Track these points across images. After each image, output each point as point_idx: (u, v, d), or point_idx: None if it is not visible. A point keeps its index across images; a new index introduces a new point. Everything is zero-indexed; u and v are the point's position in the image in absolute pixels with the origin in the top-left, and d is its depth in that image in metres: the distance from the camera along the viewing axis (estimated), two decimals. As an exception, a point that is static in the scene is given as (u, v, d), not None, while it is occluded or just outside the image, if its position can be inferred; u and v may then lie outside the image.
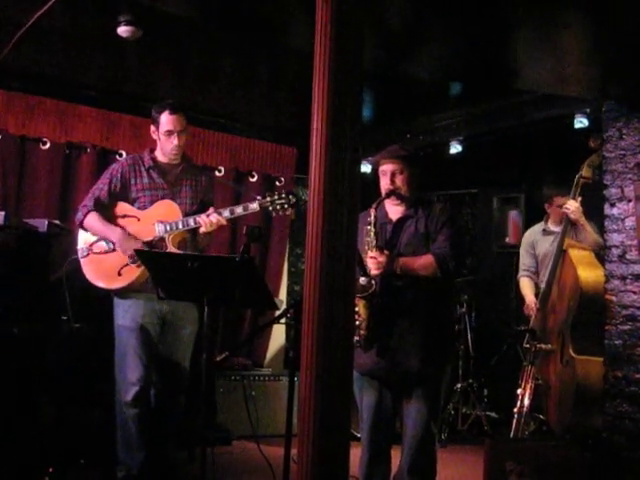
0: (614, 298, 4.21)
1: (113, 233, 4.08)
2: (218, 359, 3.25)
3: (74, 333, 4.40)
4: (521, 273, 5.56)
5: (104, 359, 4.40)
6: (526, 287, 5.48)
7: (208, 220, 3.99)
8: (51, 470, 4.07)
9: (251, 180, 6.57)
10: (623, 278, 4.19)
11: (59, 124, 5.63)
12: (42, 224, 4.54)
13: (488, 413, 6.16)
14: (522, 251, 5.61)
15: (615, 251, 4.24)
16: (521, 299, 5.56)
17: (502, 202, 6.85)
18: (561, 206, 5.21)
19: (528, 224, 6.01)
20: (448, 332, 3.84)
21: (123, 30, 4.49)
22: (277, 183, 6.68)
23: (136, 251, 3.73)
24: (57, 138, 5.65)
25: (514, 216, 6.71)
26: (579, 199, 4.96)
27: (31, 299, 4.35)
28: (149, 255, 3.66)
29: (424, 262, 3.56)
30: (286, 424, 3.17)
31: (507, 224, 6.76)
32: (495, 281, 6.72)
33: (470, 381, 6.22)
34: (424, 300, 3.60)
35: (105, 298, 4.25)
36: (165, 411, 4.21)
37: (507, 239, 6.73)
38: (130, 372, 4.03)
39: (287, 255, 6.97)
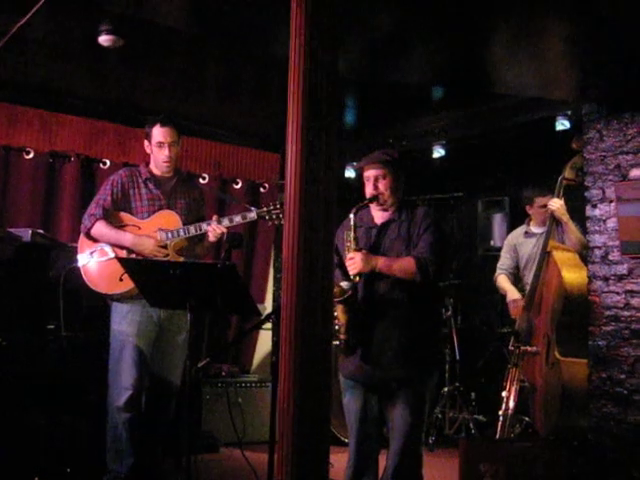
0: (597, 299, 4.24)
1: (125, 238, 4.17)
2: (200, 365, 3.25)
3: (63, 342, 4.38)
4: (498, 272, 5.57)
5: (93, 368, 4.42)
6: (504, 281, 5.48)
7: (218, 230, 4.11)
8: (37, 479, 4.06)
9: (235, 187, 6.58)
10: (606, 279, 4.22)
11: (42, 133, 5.62)
12: (26, 233, 4.55)
13: (475, 416, 6.16)
14: (503, 253, 5.63)
15: (598, 252, 4.27)
16: (504, 296, 5.55)
17: (487, 205, 6.86)
18: (543, 206, 5.26)
19: (513, 227, 6.01)
20: (433, 336, 3.83)
21: (104, 39, 4.50)
22: (261, 189, 6.70)
23: (119, 259, 3.75)
24: (40, 147, 5.65)
25: (499, 219, 6.73)
26: (562, 199, 4.98)
27: (16, 308, 4.35)
28: (132, 263, 3.69)
29: (404, 264, 3.57)
30: (270, 431, 3.18)
31: (492, 227, 6.78)
32: (480, 284, 6.72)
33: (457, 384, 6.22)
34: (407, 303, 3.60)
35: (97, 307, 4.30)
36: (155, 417, 4.25)
37: (492, 242, 6.73)
38: (124, 377, 4.07)
39: (272, 261, 6.96)
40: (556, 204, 4.96)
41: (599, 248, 4.27)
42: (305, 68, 2.11)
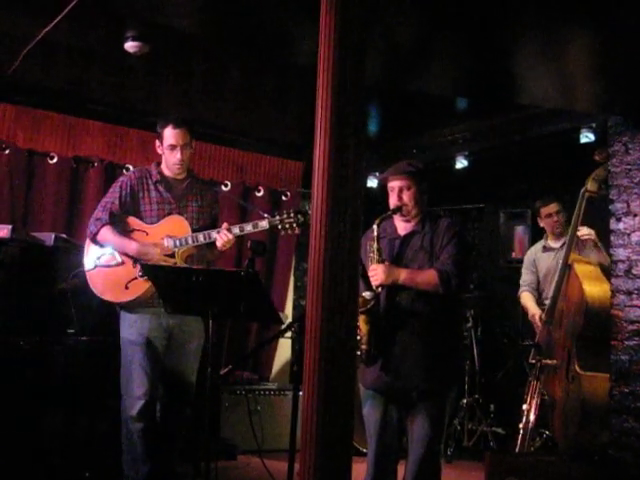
0: (620, 313, 4.20)
1: (130, 245, 4.07)
2: (222, 373, 3.24)
3: (80, 346, 4.40)
4: (521, 289, 5.58)
5: (109, 372, 4.41)
6: (527, 299, 5.49)
7: (225, 238, 4.01)
8: (56, 484, 4.08)
9: (257, 195, 6.58)
10: (629, 293, 4.18)
11: (66, 138, 5.67)
12: (49, 238, 4.58)
13: (494, 429, 6.13)
14: (524, 269, 5.65)
15: (621, 266, 4.23)
16: (525, 313, 5.55)
17: (508, 217, 6.84)
18: (549, 215, 5.36)
19: (534, 239, 6.01)
20: (454, 348, 3.82)
21: (130, 46, 4.53)
22: (283, 198, 6.70)
23: (142, 265, 3.74)
24: (64, 152, 5.68)
25: (520, 231, 6.70)
26: (591, 230, 4.97)
27: (37, 312, 4.37)
28: (155, 269, 3.67)
29: (427, 277, 3.56)
30: (290, 439, 3.17)
31: (513, 239, 6.75)
32: (501, 296, 6.69)
33: (476, 396, 6.18)
34: (429, 315, 3.59)
35: (111, 311, 4.27)
36: (171, 425, 4.21)
37: (513, 254, 6.71)
38: (136, 386, 4.02)
39: (293, 269, 6.97)
40: (587, 232, 4.95)
41: (623, 262, 4.23)
42: (333, 77, 2.11)
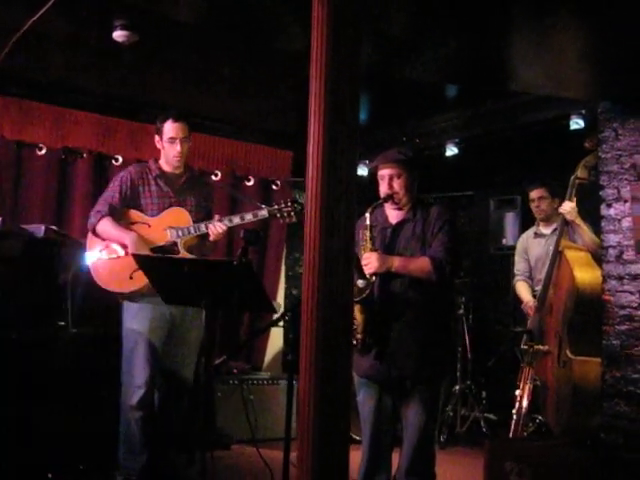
0: (612, 298, 4.22)
1: (127, 236, 4.13)
2: (216, 363, 3.24)
3: (74, 338, 4.39)
4: (516, 278, 5.60)
5: (104, 364, 4.42)
6: (522, 288, 5.50)
7: (216, 230, 4.12)
8: (50, 476, 4.07)
9: (247, 184, 6.57)
10: (620, 278, 4.20)
11: (55, 129, 5.63)
12: (39, 230, 4.54)
13: (486, 415, 6.17)
14: (516, 257, 5.67)
15: (612, 252, 4.25)
16: (518, 301, 5.57)
17: (498, 204, 6.85)
18: (532, 200, 5.38)
19: (525, 226, 6.02)
20: (446, 335, 3.85)
21: (119, 35, 4.49)
22: (274, 187, 6.69)
23: (133, 255, 3.74)
24: (53, 143, 5.64)
25: (511, 218, 6.71)
26: (574, 200, 4.97)
27: (29, 305, 4.35)
28: (146, 260, 3.67)
29: (420, 264, 3.57)
30: (285, 427, 3.17)
31: (504, 226, 6.76)
32: (492, 283, 6.73)
33: (468, 383, 6.22)
34: (422, 303, 3.61)
35: (107, 304, 4.29)
36: (168, 414, 4.26)
37: (504, 241, 6.72)
38: (137, 375, 4.08)
39: (284, 259, 6.96)
40: (567, 207, 4.95)
41: (613, 247, 4.24)
42: (327, 63, 2.10)
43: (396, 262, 3.57)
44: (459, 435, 6.05)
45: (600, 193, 4.33)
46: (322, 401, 2.01)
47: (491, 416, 6.22)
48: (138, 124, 5.86)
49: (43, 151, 5.60)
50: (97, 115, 5.82)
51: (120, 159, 5.84)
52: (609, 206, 4.27)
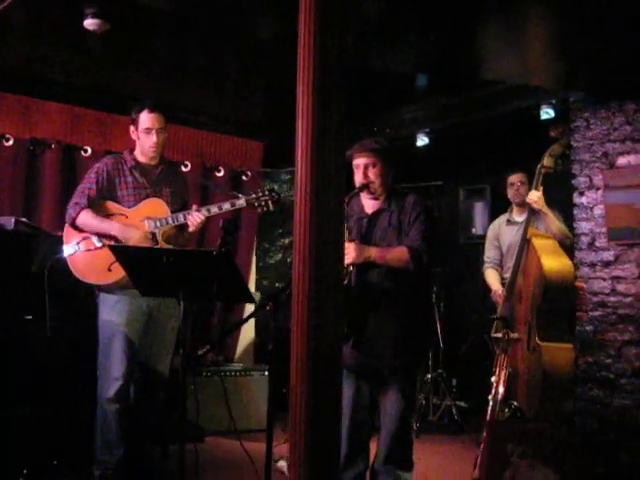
0: (584, 285, 4.29)
1: (111, 227, 4.08)
2: (200, 353, 3.22)
3: (48, 332, 4.32)
4: (485, 265, 5.63)
5: (78, 359, 4.37)
6: (491, 276, 5.54)
7: (195, 220, 4.08)
8: (25, 472, 4.01)
9: (218, 175, 6.52)
10: (592, 265, 4.28)
11: (22, 120, 5.51)
12: (9, 222, 4.47)
13: (457, 402, 6.23)
14: (487, 244, 5.69)
15: (584, 239, 4.32)
16: (488, 289, 5.62)
17: (468, 194, 6.91)
18: (512, 184, 5.41)
19: (494, 215, 6.07)
20: (424, 324, 3.87)
21: (90, 23, 4.43)
22: (244, 178, 6.65)
23: (110, 247, 3.68)
24: (20, 134, 5.52)
25: (480, 208, 6.77)
26: (541, 189, 5.03)
27: (2, 298, 4.28)
28: (124, 251, 3.62)
29: (397, 254, 3.58)
30: (267, 417, 3.17)
31: (473, 216, 6.82)
32: (462, 272, 6.78)
33: (440, 371, 6.27)
34: (399, 292, 3.61)
35: (81, 297, 4.24)
36: (144, 407, 4.20)
37: (474, 230, 6.79)
38: (114, 368, 4.02)
39: (255, 250, 6.94)
40: (534, 197, 5.00)
41: (586, 235, 4.32)
42: (315, 52, 2.09)
43: (373, 252, 3.57)
44: (432, 423, 6.10)
45: (572, 182, 4.40)
46: (314, 386, 2.00)
47: (462, 404, 6.29)
48: (107, 115, 5.78)
49: (10, 142, 5.48)
50: (65, 105, 5.70)
51: (89, 150, 5.75)
52: (581, 194, 4.35)
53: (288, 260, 7.09)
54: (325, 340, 2.02)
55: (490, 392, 4.58)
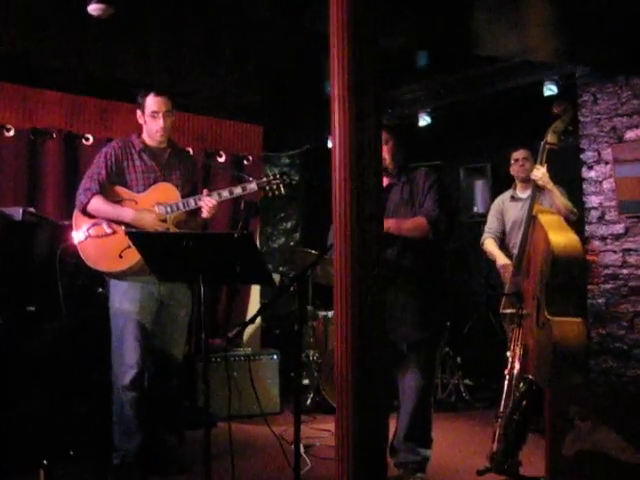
0: (596, 258, 4.32)
1: (124, 212, 4.02)
2: (230, 335, 3.20)
3: (62, 321, 4.30)
4: (485, 235, 5.60)
5: (91, 349, 4.35)
6: (491, 245, 5.48)
7: (208, 205, 4.04)
8: (45, 462, 3.99)
9: (219, 159, 6.49)
10: (603, 238, 4.30)
11: (23, 110, 5.46)
12: (17, 212, 4.43)
13: (464, 381, 6.26)
14: (490, 217, 5.67)
15: (594, 213, 4.35)
16: (492, 261, 5.61)
17: (468, 172, 6.90)
18: (517, 160, 5.37)
19: (495, 193, 6.07)
20: (441, 298, 3.88)
21: (94, 8, 4.37)
22: (245, 162, 6.63)
23: (127, 233, 3.65)
24: (21, 124, 5.47)
25: (481, 186, 6.77)
26: (545, 165, 5.03)
27: (7, 288, 4.25)
28: (143, 236, 3.58)
29: (415, 223, 3.60)
30: (294, 400, 3.15)
31: (474, 194, 6.82)
32: (465, 250, 6.78)
33: (446, 349, 6.29)
34: (415, 269, 3.63)
35: (91, 285, 4.20)
36: (159, 395, 4.18)
37: (475, 209, 6.79)
38: (128, 355, 3.99)
39: (258, 234, 6.92)
40: (539, 173, 5.00)
41: (596, 209, 4.34)
42: (349, 37, 2.08)
43: (391, 223, 3.58)
44: (441, 401, 6.12)
45: (580, 156, 4.42)
46: (361, 365, 2.01)
47: (467, 381, 6.32)
48: (108, 102, 5.74)
49: (11, 132, 5.44)
50: (66, 94, 5.66)
51: (91, 138, 5.71)
52: (590, 168, 4.37)
53: (291, 244, 7.08)
54: (371, 315, 2.01)
55: (506, 367, 4.64)
